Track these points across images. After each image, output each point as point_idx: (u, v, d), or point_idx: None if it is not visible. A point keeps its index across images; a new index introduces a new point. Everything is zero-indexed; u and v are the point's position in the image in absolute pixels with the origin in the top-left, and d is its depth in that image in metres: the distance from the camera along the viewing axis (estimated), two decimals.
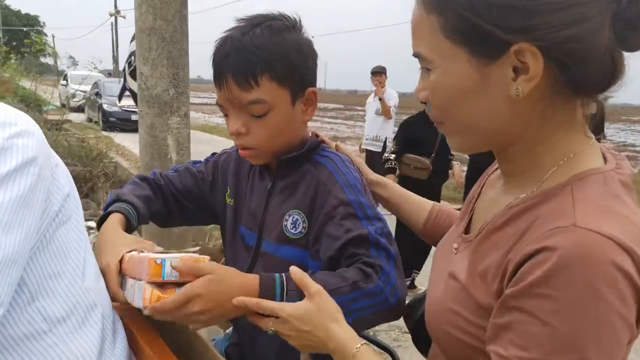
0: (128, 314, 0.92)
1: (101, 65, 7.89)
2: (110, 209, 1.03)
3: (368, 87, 5.62)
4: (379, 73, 5.73)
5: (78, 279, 0.75)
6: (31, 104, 9.83)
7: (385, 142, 5.94)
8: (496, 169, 0.80)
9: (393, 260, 0.91)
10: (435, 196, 3.71)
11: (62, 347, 0.71)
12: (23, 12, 57.48)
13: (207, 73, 0.99)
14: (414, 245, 3.83)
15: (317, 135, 1.11)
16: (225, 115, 1.00)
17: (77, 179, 5.61)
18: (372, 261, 0.89)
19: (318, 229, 0.97)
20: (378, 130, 5.81)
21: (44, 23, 55.19)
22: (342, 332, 0.76)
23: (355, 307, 0.86)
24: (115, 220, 1.00)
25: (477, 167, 3.77)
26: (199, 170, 1.20)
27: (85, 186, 5.73)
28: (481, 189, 0.83)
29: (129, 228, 1.02)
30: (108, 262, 0.89)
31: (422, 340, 0.90)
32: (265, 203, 1.06)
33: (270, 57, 0.92)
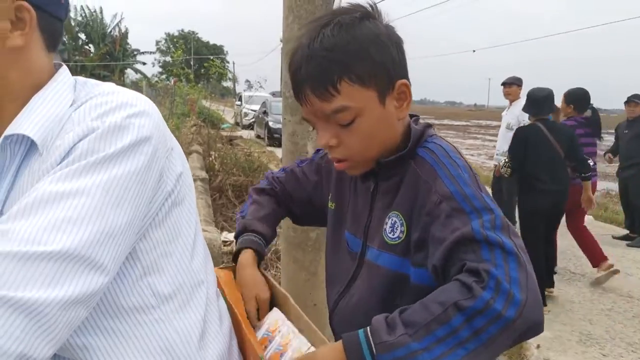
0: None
1: (266, 85, 8.61)
2: (240, 244, 1.09)
3: None
4: (509, 84, 5.24)
5: (186, 260, 0.77)
6: (211, 122, 11.13)
7: None
8: None
9: (513, 257, 0.71)
10: None
11: (166, 324, 0.74)
12: (211, 43, 66.17)
13: None
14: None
15: None
16: (314, 128, 0.90)
17: (240, 187, 6.20)
18: (475, 266, 0.71)
19: (421, 233, 0.83)
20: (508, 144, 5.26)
21: (227, 52, 62.75)
22: None
23: (464, 335, 0.66)
24: (249, 259, 1.06)
25: None
26: (304, 171, 1.17)
27: (247, 194, 6.21)
28: None
29: (261, 258, 1.10)
30: (250, 309, 0.99)
31: None
32: (369, 206, 0.96)
33: (345, 59, 0.82)
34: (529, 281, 0.69)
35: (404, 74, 0.89)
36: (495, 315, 0.66)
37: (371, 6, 0.87)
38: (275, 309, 1.00)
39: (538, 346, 3.20)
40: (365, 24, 0.84)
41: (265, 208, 1.16)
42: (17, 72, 0.70)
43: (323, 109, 0.84)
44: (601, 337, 3.37)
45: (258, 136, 16.08)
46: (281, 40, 2.47)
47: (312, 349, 0.84)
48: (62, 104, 0.71)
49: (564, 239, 5.73)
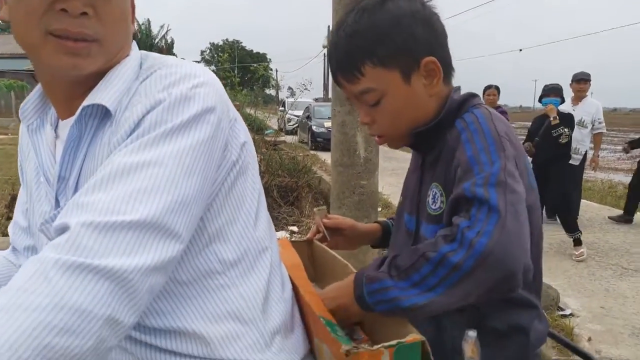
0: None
1: (311, 88, 8.68)
2: None
3: None
4: (584, 80, 5.23)
5: (250, 227, 0.79)
6: (255, 128, 11.39)
7: (585, 154, 5.31)
8: None
9: (495, 213, 0.72)
10: None
11: (232, 289, 0.76)
12: (254, 51, 67.47)
13: None
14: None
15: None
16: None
17: (285, 188, 6.34)
18: (456, 221, 0.76)
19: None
20: (576, 142, 5.20)
21: (270, 59, 63.75)
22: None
23: (432, 282, 0.74)
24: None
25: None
26: None
27: (292, 195, 6.37)
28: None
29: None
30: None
31: None
32: (420, 181, 1.00)
33: (365, 44, 0.87)
34: (503, 236, 0.71)
35: (433, 51, 0.89)
36: (451, 266, 0.72)
37: None
38: None
39: (589, 339, 3.17)
40: (387, 7, 0.88)
41: None
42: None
43: (352, 90, 0.92)
44: None
45: (301, 141, 16.22)
46: (324, 47, 2.60)
47: None
48: (131, 77, 0.73)
49: (617, 234, 5.60)
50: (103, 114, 0.71)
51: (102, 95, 0.70)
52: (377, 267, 0.82)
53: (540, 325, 0.94)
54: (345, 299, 0.84)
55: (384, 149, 2.77)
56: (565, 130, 4.57)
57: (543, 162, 4.80)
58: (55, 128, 0.79)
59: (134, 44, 0.79)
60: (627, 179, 10.41)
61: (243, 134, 0.79)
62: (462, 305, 0.89)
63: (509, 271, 0.71)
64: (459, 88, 0.98)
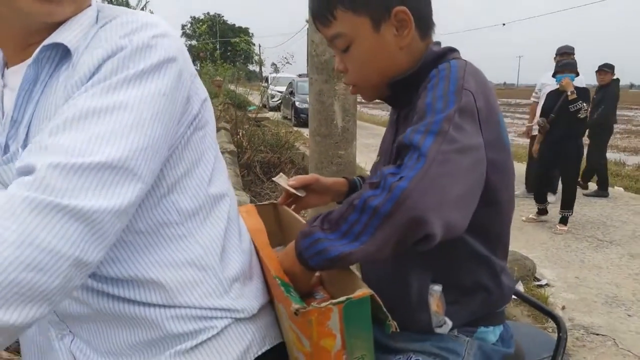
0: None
1: (294, 62, 8.57)
2: None
3: None
4: (567, 54, 5.12)
5: (204, 184, 0.80)
6: (238, 105, 11.26)
7: None
8: None
9: (423, 159, 0.70)
10: None
11: (189, 239, 0.78)
12: (236, 25, 66.32)
13: None
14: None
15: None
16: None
17: (268, 164, 6.31)
18: (384, 169, 0.73)
19: None
20: None
21: (252, 34, 62.72)
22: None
23: (358, 230, 0.72)
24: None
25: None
26: None
27: (274, 171, 6.34)
28: None
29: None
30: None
31: None
32: (393, 137, 0.98)
33: None
34: (424, 181, 0.68)
35: (406, 1, 0.87)
36: (371, 211, 0.70)
37: None
38: None
39: (563, 307, 3.24)
40: None
41: None
42: None
43: (326, 34, 0.92)
44: (627, 299, 3.37)
45: (285, 117, 16.13)
46: (307, 21, 2.54)
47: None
48: (90, 22, 0.73)
49: (594, 208, 5.70)
50: (61, 56, 0.70)
51: (63, 35, 0.69)
52: (311, 221, 0.81)
53: (505, 284, 0.94)
54: (291, 259, 0.83)
55: (364, 127, 2.74)
56: (584, 105, 4.46)
57: (558, 139, 4.68)
58: (1, 76, 0.77)
59: None
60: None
61: (202, 90, 0.79)
62: (426, 262, 0.88)
63: (420, 217, 0.68)
64: (439, 43, 0.95)
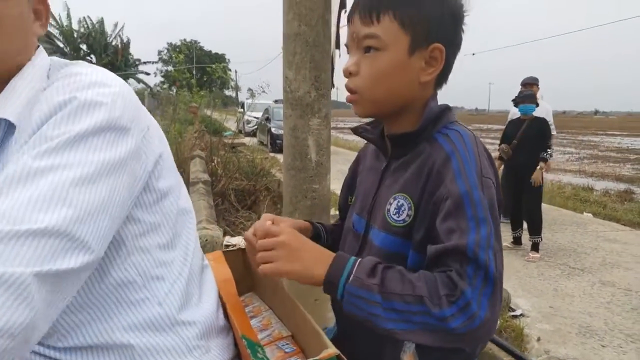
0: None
1: (269, 91, 8.59)
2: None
3: None
4: (530, 84, 5.36)
5: (167, 247, 0.79)
6: (214, 130, 11.24)
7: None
8: None
9: (490, 284, 0.74)
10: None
11: (151, 300, 0.77)
12: (213, 52, 66.61)
13: None
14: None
15: None
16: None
17: (242, 192, 6.25)
18: (457, 281, 0.74)
19: (428, 219, 0.83)
20: None
21: (229, 60, 63.09)
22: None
23: (416, 320, 0.75)
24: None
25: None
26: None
27: (249, 199, 6.28)
28: None
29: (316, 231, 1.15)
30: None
31: None
32: (377, 185, 0.97)
33: None
34: (495, 309, 0.74)
35: (447, 43, 0.88)
36: (447, 330, 0.73)
37: None
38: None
39: (539, 339, 3.24)
40: None
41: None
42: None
43: (360, 31, 0.88)
44: (600, 328, 3.40)
45: (261, 143, 16.14)
46: (283, 49, 2.56)
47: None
48: (34, 85, 0.71)
49: (565, 234, 5.80)
50: (7, 126, 0.69)
51: (5, 107, 0.68)
52: (369, 272, 0.79)
53: None
54: (312, 270, 0.82)
55: (339, 152, 2.74)
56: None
57: (519, 165, 4.95)
58: None
59: (40, 49, 0.77)
60: (576, 180, 10.87)
61: (157, 144, 0.77)
62: None
63: (487, 341, 0.78)
64: (435, 94, 0.96)
